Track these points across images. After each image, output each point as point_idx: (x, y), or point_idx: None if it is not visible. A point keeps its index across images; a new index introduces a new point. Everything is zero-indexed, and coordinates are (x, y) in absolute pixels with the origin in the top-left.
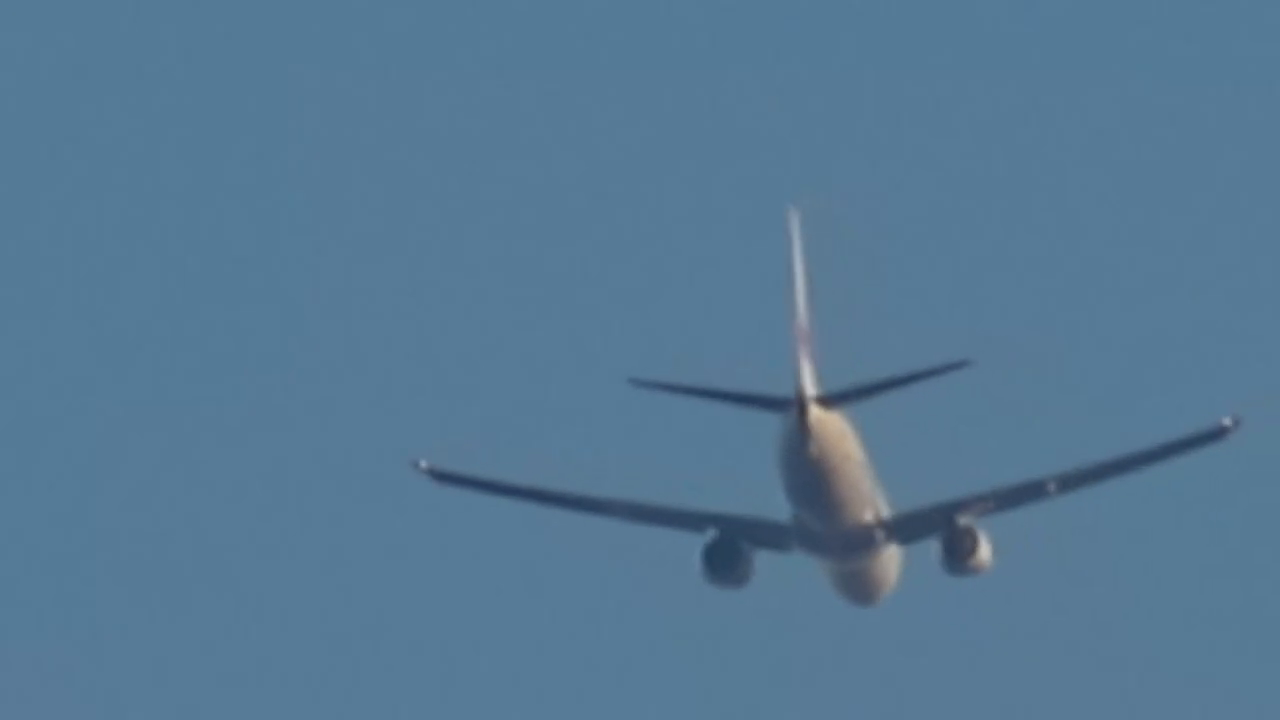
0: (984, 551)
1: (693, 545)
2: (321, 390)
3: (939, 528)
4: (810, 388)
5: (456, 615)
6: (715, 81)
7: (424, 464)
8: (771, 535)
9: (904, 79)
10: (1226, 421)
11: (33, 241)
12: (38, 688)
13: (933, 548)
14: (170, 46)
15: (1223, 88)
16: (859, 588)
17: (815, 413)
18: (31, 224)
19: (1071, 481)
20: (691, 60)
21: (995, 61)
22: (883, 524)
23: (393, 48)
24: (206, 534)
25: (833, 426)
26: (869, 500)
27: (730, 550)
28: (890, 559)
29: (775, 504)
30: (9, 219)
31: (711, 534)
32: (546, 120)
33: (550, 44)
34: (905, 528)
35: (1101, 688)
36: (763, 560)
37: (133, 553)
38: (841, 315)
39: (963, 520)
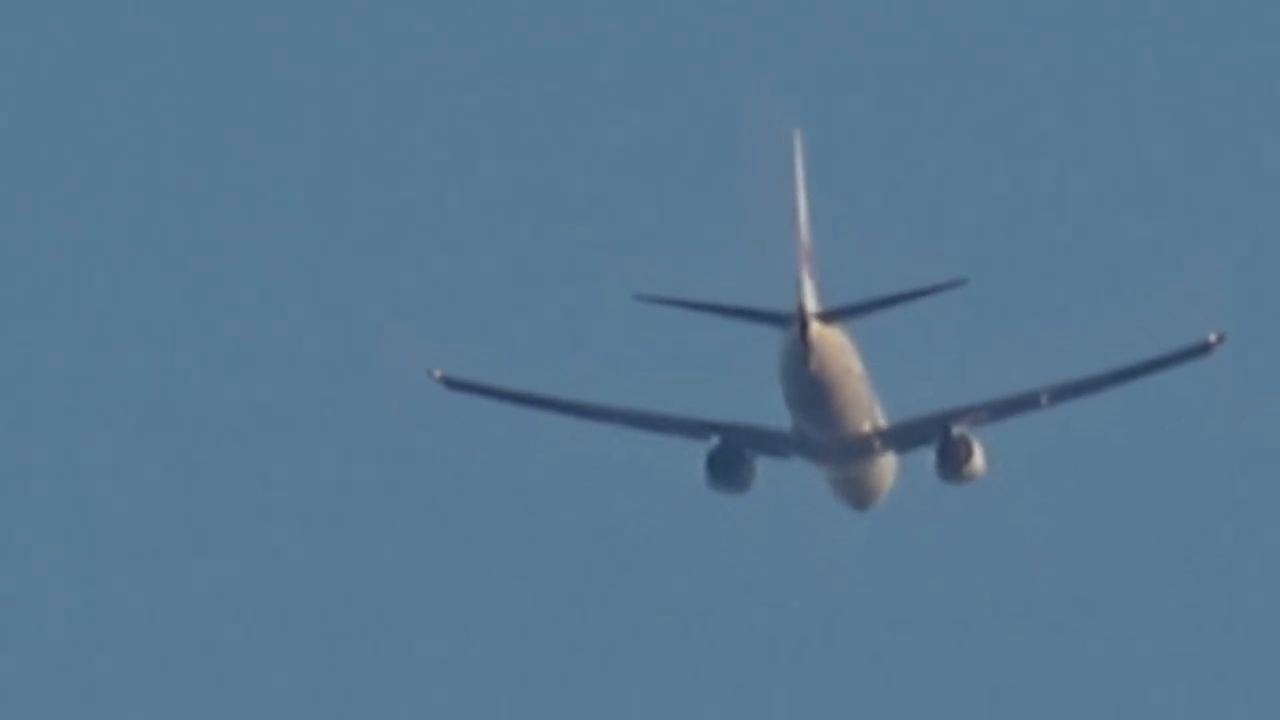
0: (978, 460)
1: (697, 452)
2: (321, 390)
3: (935, 437)
4: (812, 304)
5: (462, 519)
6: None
7: (438, 373)
8: (772, 443)
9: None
10: (1211, 338)
11: (32, 241)
12: (37, 688)
13: (929, 456)
14: (169, 46)
15: (1223, 87)
16: (857, 493)
17: (816, 328)
18: (31, 224)
19: (1063, 393)
20: (690, 60)
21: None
22: (880, 433)
23: (393, 48)
24: (196, 519)
25: (833, 341)
26: (867, 411)
27: (733, 457)
28: (887, 465)
29: (777, 413)
30: (8, 219)
31: (715, 442)
32: (546, 116)
33: (550, 44)
34: (902, 437)
35: (1088, 592)
36: (764, 466)
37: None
38: (843, 232)
39: (957, 430)
